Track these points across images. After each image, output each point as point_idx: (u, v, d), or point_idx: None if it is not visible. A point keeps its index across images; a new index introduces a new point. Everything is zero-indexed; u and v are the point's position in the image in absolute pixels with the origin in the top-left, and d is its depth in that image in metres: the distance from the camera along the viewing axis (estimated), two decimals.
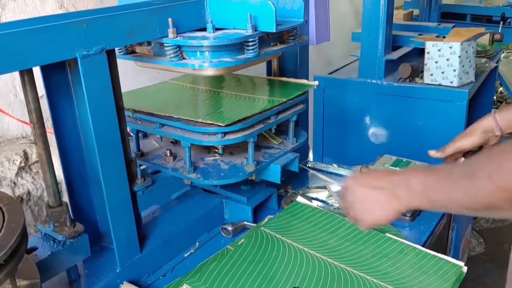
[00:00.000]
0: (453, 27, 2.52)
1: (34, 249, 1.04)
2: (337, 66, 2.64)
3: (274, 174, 1.36)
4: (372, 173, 1.02)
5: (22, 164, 1.91)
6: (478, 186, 0.74)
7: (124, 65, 1.36)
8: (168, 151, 1.34)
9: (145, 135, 1.49)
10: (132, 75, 1.78)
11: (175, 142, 1.42)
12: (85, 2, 2.11)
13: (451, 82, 2.11)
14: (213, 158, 1.36)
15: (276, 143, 1.44)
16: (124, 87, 1.23)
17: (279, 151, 1.40)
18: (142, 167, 1.36)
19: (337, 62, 2.74)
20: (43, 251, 1.03)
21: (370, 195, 0.95)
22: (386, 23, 2.20)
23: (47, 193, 1.05)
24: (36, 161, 1.91)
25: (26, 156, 1.88)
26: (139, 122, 1.33)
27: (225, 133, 1.22)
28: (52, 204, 1.05)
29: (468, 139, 1.31)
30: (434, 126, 2.09)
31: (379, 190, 0.93)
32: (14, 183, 1.92)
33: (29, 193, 1.93)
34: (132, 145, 1.37)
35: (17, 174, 1.90)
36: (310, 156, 2.79)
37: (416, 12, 3.27)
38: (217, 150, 1.35)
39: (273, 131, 1.46)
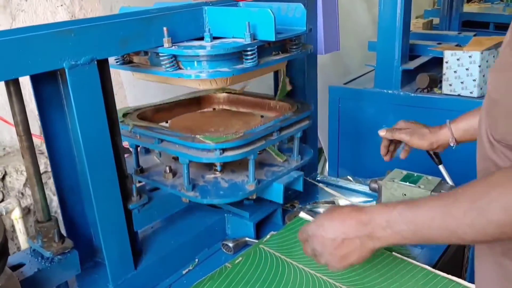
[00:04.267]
0: (475, 35, 2.44)
1: (21, 265, 1.00)
2: (355, 76, 2.58)
3: (276, 193, 1.31)
4: (337, 215, 0.90)
5: None
6: (489, 220, 0.69)
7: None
8: (167, 167, 1.30)
9: (147, 151, 1.46)
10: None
11: (177, 158, 1.36)
12: (96, 12, 2.10)
13: (471, 93, 2.03)
14: (213, 175, 1.31)
15: (281, 160, 1.38)
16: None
17: (283, 169, 1.34)
18: (141, 184, 1.33)
19: (355, 72, 2.68)
20: (30, 267, 1.00)
21: (342, 244, 0.87)
22: (402, 31, 2.13)
23: (35, 207, 1.02)
24: (44, 172, 1.90)
25: None
26: (138, 137, 1.29)
27: (223, 150, 1.17)
28: (41, 219, 1.02)
29: (421, 143, 1.30)
30: None
31: (351, 236, 0.86)
32: (22, 193, 1.91)
33: None
34: (132, 161, 1.34)
35: (24, 185, 1.89)
36: (326, 167, 2.73)
37: (436, 21, 3.18)
38: (217, 168, 1.31)
39: (275, 147, 1.41)
